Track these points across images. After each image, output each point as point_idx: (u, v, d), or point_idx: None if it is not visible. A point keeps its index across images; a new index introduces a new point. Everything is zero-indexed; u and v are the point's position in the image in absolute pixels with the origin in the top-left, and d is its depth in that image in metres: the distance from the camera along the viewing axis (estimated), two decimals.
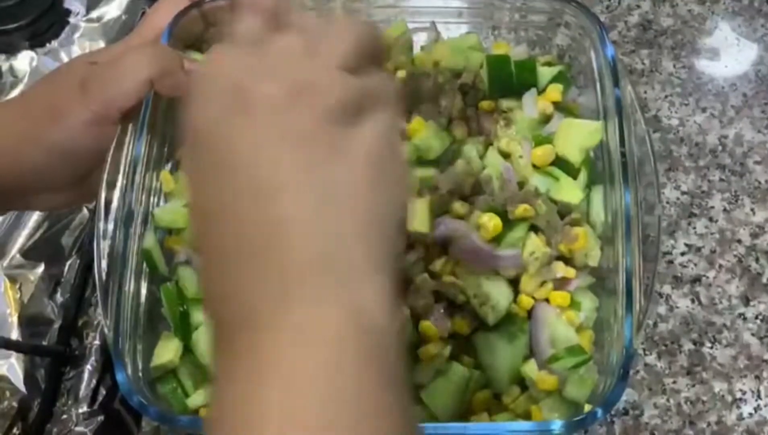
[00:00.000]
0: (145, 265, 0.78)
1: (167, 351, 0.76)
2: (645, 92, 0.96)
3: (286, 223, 0.43)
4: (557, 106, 0.83)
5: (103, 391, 0.83)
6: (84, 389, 0.82)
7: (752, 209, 0.90)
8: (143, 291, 0.78)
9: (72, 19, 1.06)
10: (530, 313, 0.76)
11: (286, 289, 0.42)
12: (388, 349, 0.43)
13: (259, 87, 0.45)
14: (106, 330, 0.73)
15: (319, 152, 0.44)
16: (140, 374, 0.73)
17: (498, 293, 0.74)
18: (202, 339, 0.76)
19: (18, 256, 0.90)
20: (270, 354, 0.41)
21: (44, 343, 0.86)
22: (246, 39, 0.49)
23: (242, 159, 0.43)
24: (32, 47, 1.06)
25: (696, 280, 0.87)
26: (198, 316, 0.77)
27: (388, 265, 0.45)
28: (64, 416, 0.82)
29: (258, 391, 0.40)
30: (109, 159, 0.80)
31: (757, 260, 0.87)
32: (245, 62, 0.47)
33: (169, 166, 0.84)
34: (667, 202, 0.90)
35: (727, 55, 0.99)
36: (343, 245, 0.43)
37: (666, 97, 0.96)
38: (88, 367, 0.83)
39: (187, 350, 0.77)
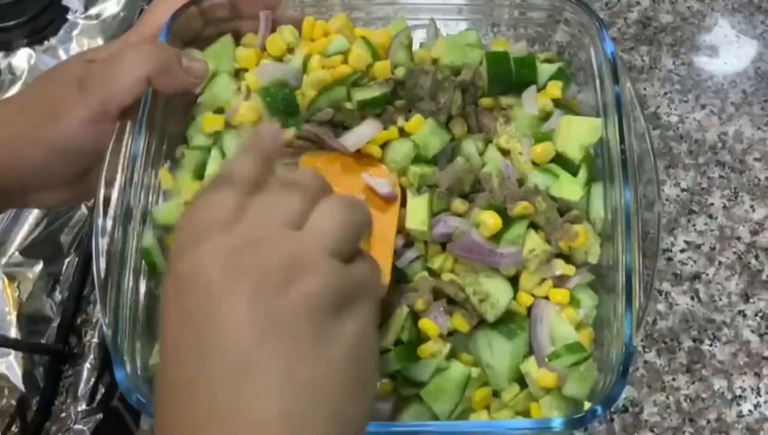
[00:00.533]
0: (143, 262, 0.78)
1: None
2: (644, 89, 0.96)
3: (257, 408, 0.42)
4: (557, 103, 0.83)
5: (101, 389, 0.82)
6: (83, 387, 0.82)
7: (752, 206, 0.90)
8: (142, 289, 0.78)
9: (70, 17, 1.06)
10: (530, 310, 0.76)
11: None
12: None
13: (250, 254, 0.45)
14: (104, 328, 0.73)
15: (302, 345, 0.44)
16: (139, 372, 0.73)
17: (497, 291, 0.74)
18: None
19: (17, 254, 0.90)
20: None
21: (43, 341, 0.86)
22: (239, 184, 0.50)
23: (225, 331, 0.43)
24: (30, 45, 1.06)
25: (695, 277, 0.86)
26: None
27: None
28: (63, 414, 0.81)
29: None
30: (107, 157, 0.79)
31: (756, 257, 0.87)
32: (236, 220, 0.47)
33: (167, 164, 0.84)
34: (667, 199, 0.90)
35: (727, 51, 0.99)
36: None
37: (665, 94, 0.96)
38: (87, 365, 0.83)
39: None
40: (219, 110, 0.84)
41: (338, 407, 0.44)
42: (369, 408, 0.48)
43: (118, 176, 0.78)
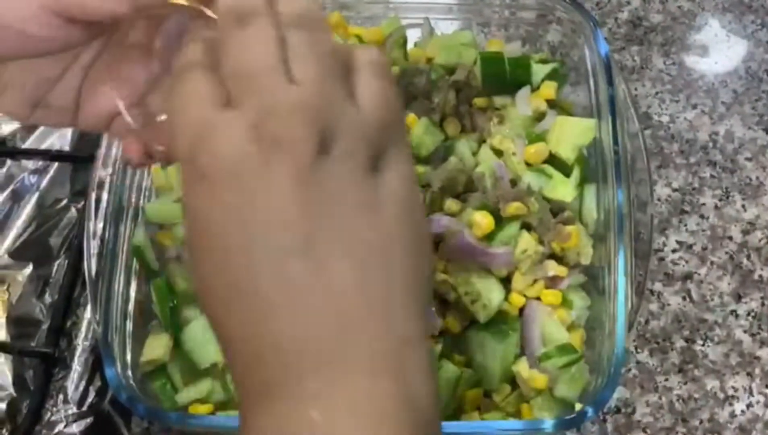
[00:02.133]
0: (134, 261, 0.78)
1: (157, 347, 0.76)
2: (635, 89, 0.96)
3: (329, 281, 0.40)
4: (551, 103, 0.83)
5: (92, 392, 0.82)
6: (73, 390, 0.82)
7: (743, 206, 0.90)
8: (133, 287, 0.78)
9: None
10: (522, 311, 0.76)
11: (332, 353, 0.40)
12: (432, 424, 0.42)
13: (269, 125, 0.41)
14: (95, 325, 0.73)
15: (353, 211, 0.41)
16: (129, 371, 0.73)
17: (489, 291, 0.74)
18: (191, 335, 0.76)
19: (6, 256, 0.89)
20: (316, 430, 0.38)
21: (33, 344, 0.85)
22: (198, 63, 0.45)
23: (274, 211, 0.40)
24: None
25: (687, 277, 0.86)
26: (188, 311, 0.77)
27: (425, 332, 0.43)
28: (53, 417, 0.81)
29: None
30: (101, 158, 0.79)
31: (748, 257, 0.87)
32: (229, 96, 0.43)
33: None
34: (659, 200, 0.90)
35: (717, 51, 0.99)
36: (390, 310, 0.41)
37: (656, 93, 0.96)
38: (77, 368, 0.83)
39: (177, 346, 0.77)
40: None
41: (406, 266, 0.42)
42: (431, 262, 0.46)
43: (110, 174, 0.78)
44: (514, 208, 0.75)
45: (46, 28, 0.49)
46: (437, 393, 0.43)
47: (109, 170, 0.78)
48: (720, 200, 0.90)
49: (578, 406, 0.69)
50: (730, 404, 0.81)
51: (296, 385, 0.39)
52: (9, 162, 0.95)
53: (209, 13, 0.48)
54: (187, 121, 0.43)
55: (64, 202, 0.92)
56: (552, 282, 0.76)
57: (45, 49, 0.51)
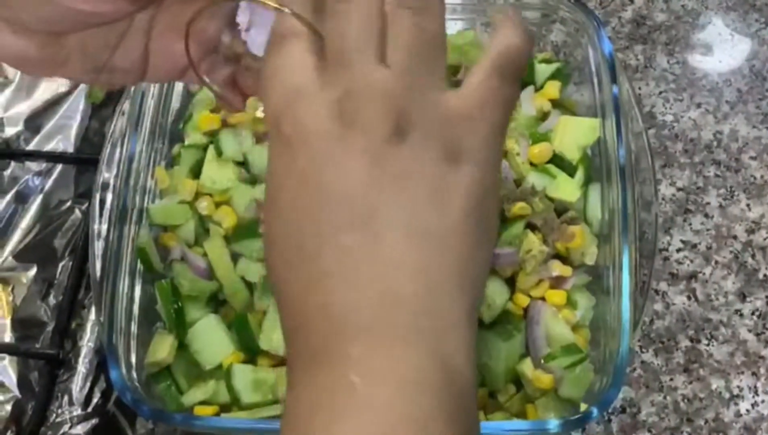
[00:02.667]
0: (139, 262, 0.78)
1: (161, 348, 0.76)
2: (639, 88, 0.96)
3: (386, 255, 0.41)
4: (554, 102, 0.83)
5: (97, 394, 0.82)
6: (78, 392, 0.82)
7: (748, 205, 0.89)
8: (137, 288, 0.78)
9: None
10: (526, 311, 0.76)
11: (378, 322, 0.41)
12: (471, 402, 0.42)
13: (350, 104, 0.42)
14: (99, 327, 0.73)
15: (422, 197, 0.42)
16: (134, 372, 0.73)
17: (494, 291, 0.74)
18: (196, 336, 0.76)
19: (10, 258, 0.89)
20: (354, 394, 0.39)
21: (37, 345, 0.85)
22: (301, 33, 0.46)
23: (346, 183, 0.42)
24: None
25: (692, 276, 0.86)
26: (193, 313, 0.77)
27: (474, 317, 0.44)
28: (59, 419, 0.81)
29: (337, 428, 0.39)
30: (105, 158, 0.79)
31: (753, 256, 0.87)
32: (322, 67, 0.44)
33: (163, 163, 0.84)
34: (663, 199, 0.90)
35: (721, 50, 0.99)
36: (441, 291, 0.42)
37: (660, 93, 0.96)
38: (82, 369, 0.83)
39: (182, 347, 0.77)
40: (215, 108, 0.84)
41: (464, 256, 0.43)
42: (491, 253, 0.46)
43: (114, 176, 0.78)
44: (518, 208, 0.75)
45: (92, 3, 0.49)
46: (476, 377, 0.43)
47: (113, 172, 0.78)
48: (725, 199, 0.90)
49: (583, 406, 0.69)
50: (736, 404, 0.81)
51: (339, 350, 0.40)
52: (13, 164, 0.95)
53: None
54: (279, 85, 0.45)
55: (68, 203, 0.92)
56: (556, 282, 0.76)
57: (95, 23, 0.52)
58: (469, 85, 0.44)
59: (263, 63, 0.48)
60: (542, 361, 0.73)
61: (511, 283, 0.76)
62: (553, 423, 0.67)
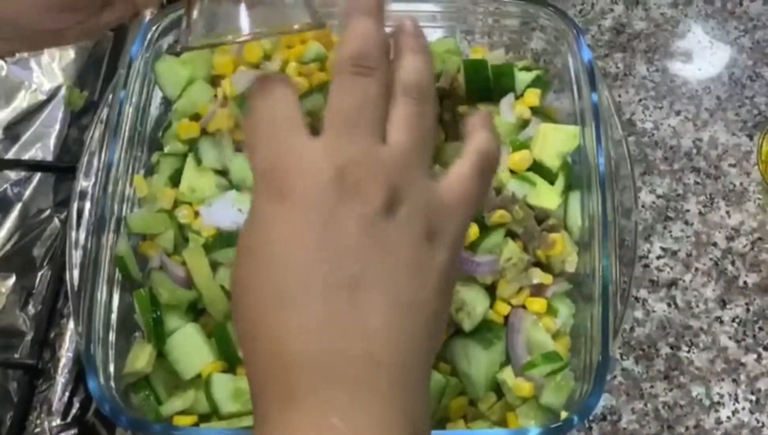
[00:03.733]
0: (117, 271, 0.78)
1: (140, 358, 0.75)
2: (619, 96, 0.96)
3: (372, 320, 0.45)
4: (534, 110, 0.83)
5: (76, 404, 0.82)
6: (57, 402, 0.81)
7: (727, 212, 0.90)
8: (116, 297, 0.77)
9: None
10: (507, 319, 0.76)
11: (361, 378, 0.44)
12: None
13: (351, 174, 0.46)
14: (77, 337, 0.72)
15: (405, 272, 0.46)
16: (113, 382, 0.73)
17: (474, 299, 0.74)
18: (175, 346, 0.76)
19: None
20: (340, 430, 0.43)
21: (16, 355, 0.84)
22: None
23: (341, 248, 0.45)
24: (1, 56, 1.05)
25: (672, 283, 0.87)
26: (171, 322, 0.77)
27: (430, 368, 0.50)
28: (37, 430, 0.81)
29: None
30: (82, 166, 0.79)
31: (733, 263, 0.87)
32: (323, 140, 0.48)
33: (142, 171, 0.84)
34: (643, 206, 0.90)
35: (701, 57, 0.99)
36: (414, 353, 0.46)
37: (640, 100, 0.96)
38: (61, 379, 0.82)
39: (161, 357, 0.76)
40: (195, 117, 0.84)
41: (431, 320, 0.47)
42: (449, 307, 0.52)
43: (92, 185, 0.77)
44: (498, 216, 0.75)
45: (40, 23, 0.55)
46: (429, 413, 0.49)
47: (92, 180, 0.77)
48: (704, 206, 0.90)
49: (564, 414, 0.69)
50: (716, 411, 0.81)
51: (320, 395, 0.44)
52: None
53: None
54: (273, 139, 0.48)
55: (47, 212, 0.92)
56: (537, 290, 0.76)
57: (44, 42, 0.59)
58: (454, 179, 0.50)
59: (248, 100, 0.51)
60: (523, 369, 0.73)
61: (491, 291, 0.76)
62: (534, 431, 0.67)
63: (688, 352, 0.83)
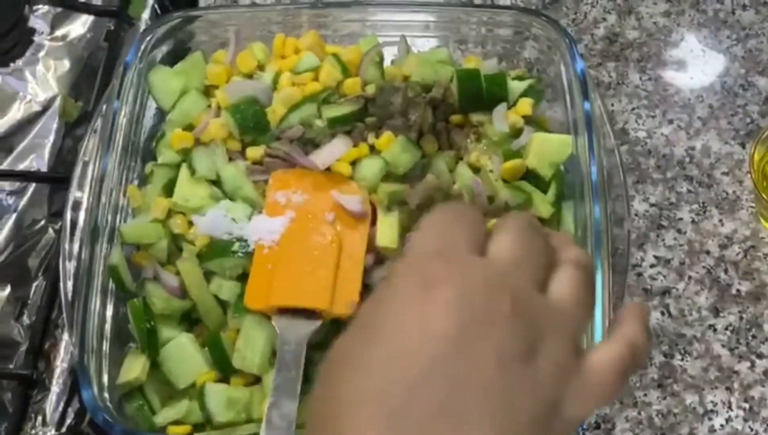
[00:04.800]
0: (111, 282, 0.78)
1: (134, 368, 0.76)
2: (612, 105, 0.96)
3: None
4: (527, 119, 0.83)
5: (71, 414, 0.81)
6: (51, 412, 0.81)
7: (720, 220, 0.90)
8: (109, 308, 0.77)
9: (36, 38, 1.05)
10: None
11: None
12: None
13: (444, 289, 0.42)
14: (72, 347, 0.73)
15: (521, 426, 0.42)
16: (106, 392, 0.73)
17: None
18: (169, 356, 0.76)
19: None
20: None
21: (11, 366, 0.84)
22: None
23: (472, 371, 0.42)
24: None
25: (665, 292, 0.87)
26: (165, 332, 0.77)
27: None
28: None
29: None
30: (76, 177, 0.79)
31: (726, 271, 0.88)
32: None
33: (136, 181, 0.84)
34: (636, 215, 0.90)
35: (693, 66, 1.00)
36: None
37: (633, 109, 0.97)
38: (56, 389, 0.82)
39: (154, 367, 0.76)
40: (188, 127, 0.84)
41: None
42: None
43: (86, 195, 0.77)
44: (491, 224, 0.75)
45: None
46: None
47: (85, 191, 0.77)
48: (697, 215, 0.90)
49: None
50: (710, 419, 0.81)
51: None
52: None
53: None
54: (438, 239, 0.46)
55: (42, 223, 0.92)
56: None
57: None
58: (601, 362, 0.45)
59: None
60: None
61: None
62: None
63: (682, 360, 0.84)
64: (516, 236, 0.47)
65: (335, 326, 0.75)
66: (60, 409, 0.82)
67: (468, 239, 0.46)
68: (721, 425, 0.81)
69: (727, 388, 0.82)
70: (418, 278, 0.44)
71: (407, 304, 0.43)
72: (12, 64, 1.04)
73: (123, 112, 0.82)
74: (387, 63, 0.89)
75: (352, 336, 0.44)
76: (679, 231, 0.90)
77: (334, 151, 0.80)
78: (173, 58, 0.89)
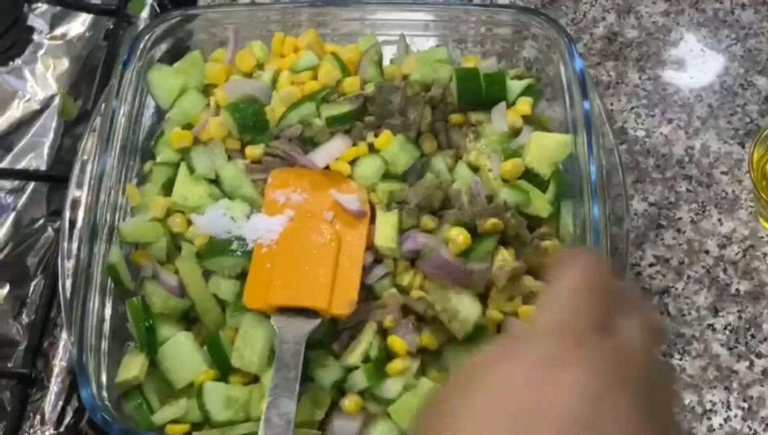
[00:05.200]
0: (109, 281, 0.78)
1: (132, 367, 0.76)
2: (611, 104, 0.96)
3: None
4: (526, 119, 0.83)
5: (70, 413, 0.82)
6: (50, 411, 0.81)
7: (719, 220, 0.90)
8: (108, 306, 0.77)
9: (35, 37, 1.05)
10: (499, 327, 0.76)
11: None
12: None
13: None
14: (70, 346, 0.72)
15: None
16: (105, 391, 0.73)
17: (466, 307, 0.74)
18: (167, 354, 0.76)
19: None
20: None
21: (9, 365, 0.85)
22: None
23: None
24: None
25: (664, 291, 0.87)
26: (164, 331, 0.77)
27: None
28: None
29: None
30: (74, 176, 0.79)
31: (725, 271, 0.88)
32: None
33: (135, 180, 0.84)
34: (635, 214, 0.90)
35: (693, 66, 1.00)
36: None
37: (632, 108, 0.97)
38: (55, 388, 0.82)
39: (153, 366, 0.76)
40: (187, 126, 0.84)
41: None
42: None
43: (85, 194, 0.77)
44: (490, 224, 0.75)
45: None
46: None
47: (84, 190, 0.77)
48: (696, 214, 0.90)
49: None
50: (708, 418, 0.81)
51: None
52: None
53: None
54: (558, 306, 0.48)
55: (41, 221, 0.92)
56: (529, 298, 0.76)
57: None
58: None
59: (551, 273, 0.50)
60: None
61: (483, 299, 0.76)
62: None
63: (681, 359, 0.84)
64: (642, 324, 0.48)
65: (333, 325, 0.75)
66: (59, 407, 0.82)
67: (594, 316, 0.47)
68: (720, 424, 0.81)
69: (726, 388, 0.82)
70: (545, 356, 0.45)
71: (531, 380, 0.44)
72: (11, 63, 1.04)
73: (122, 111, 0.82)
74: (386, 62, 0.89)
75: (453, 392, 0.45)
76: (678, 230, 0.90)
77: (333, 150, 0.80)
78: (172, 56, 0.89)
